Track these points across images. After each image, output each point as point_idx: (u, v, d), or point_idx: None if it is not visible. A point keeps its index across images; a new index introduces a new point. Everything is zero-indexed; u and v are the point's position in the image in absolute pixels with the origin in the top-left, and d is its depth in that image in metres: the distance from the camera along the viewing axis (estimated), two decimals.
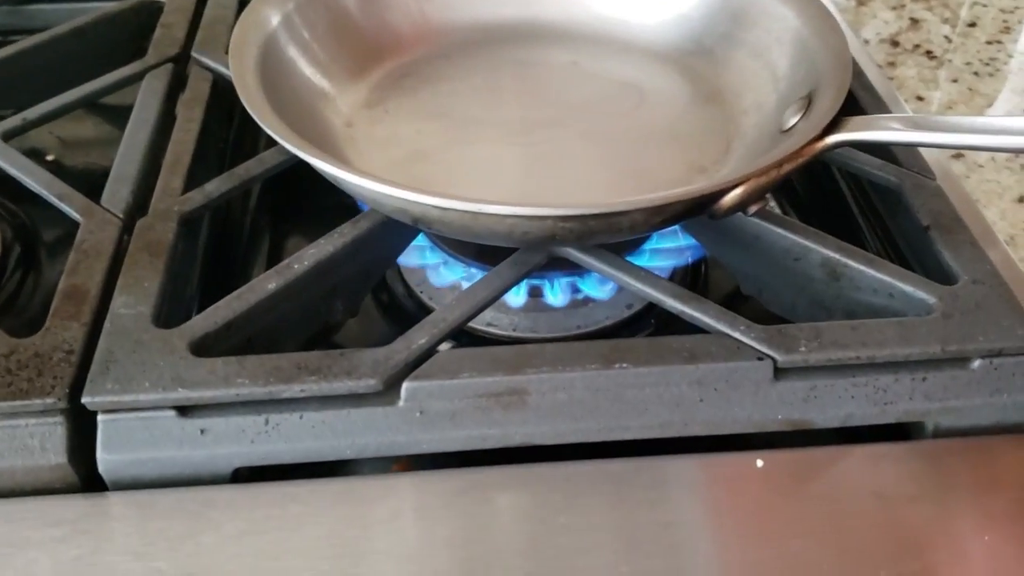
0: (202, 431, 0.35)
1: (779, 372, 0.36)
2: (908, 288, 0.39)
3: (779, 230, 0.41)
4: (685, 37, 0.52)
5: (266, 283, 0.39)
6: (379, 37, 0.50)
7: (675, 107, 0.49)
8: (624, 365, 0.36)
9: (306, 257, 0.40)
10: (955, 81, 0.61)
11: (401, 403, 0.35)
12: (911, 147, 0.43)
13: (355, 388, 0.35)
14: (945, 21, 0.67)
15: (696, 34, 0.52)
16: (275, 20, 0.45)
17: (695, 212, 0.38)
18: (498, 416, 0.36)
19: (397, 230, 0.43)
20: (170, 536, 0.33)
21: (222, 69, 0.52)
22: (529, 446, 0.36)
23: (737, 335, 0.37)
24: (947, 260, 0.41)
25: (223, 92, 0.53)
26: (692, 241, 0.47)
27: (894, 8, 0.69)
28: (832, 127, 0.39)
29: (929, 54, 0.63)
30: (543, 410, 0.36)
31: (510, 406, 0.36)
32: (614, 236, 0.38)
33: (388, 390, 0.35)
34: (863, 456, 0.36)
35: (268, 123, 0.38)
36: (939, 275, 0.41)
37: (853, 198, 0.52)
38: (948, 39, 0.65)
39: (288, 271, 0.39)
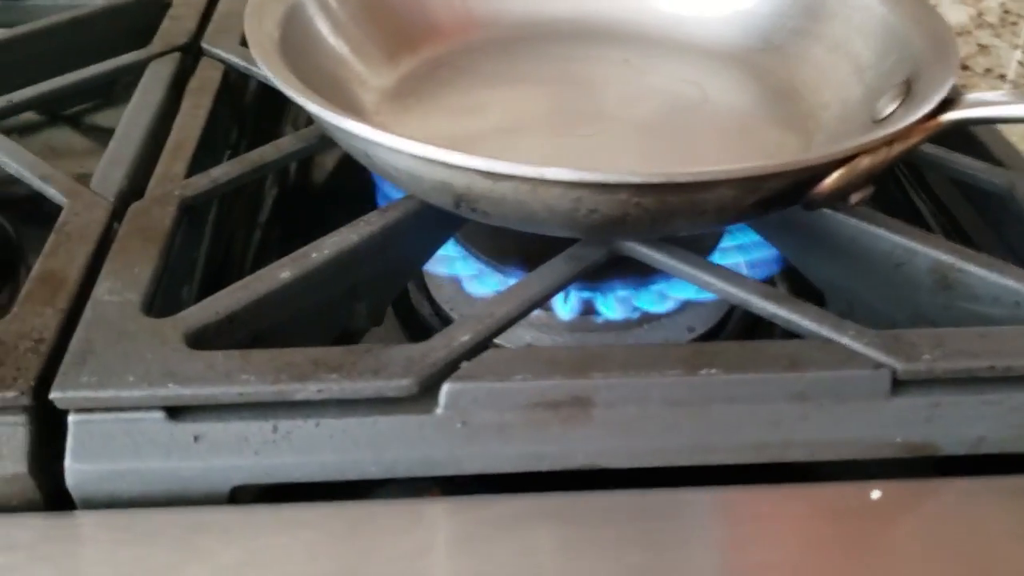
0: (196, 438, 0.28)
1: (897, 385, 0.30)
2: None
3: (879, 230, 0.36)
4: (750, 35, 0.47)
5: (278, 272, 0.33)
6: (416, 22, 0.45)
7: (743, 102, 0.44)
8: (712, 371, 0.30)
9: (326, 246, 0.34)
10: None
11: (440, 410, 0.29)
12: None
13: (384, 390, 0.29)
14: (1016, 47, 0.62)
15: (763, 31, 0.47)
16: None
17: (791, 197, 0.32)
18: (556, 431, 0.29)
19: (429, 226, 0.37)
20: (151, 567, 0.26)
21: (235, 60, 0.47)
22: (590, 469, 0.30)
23: (846, 340, 0.31)
24: None
25: (235, 86, 0.48)
26: (769, 249, 0.41)
27: (960, 35, 0.64)
28: (943, 108, 0.34)
29: (1003, 77, 0.58)
30: (611, 425, 0.29)
31: (571, 419, 0.29)
32: (694, 222, 0.32)
33: (424, 394, 0.29)
34: (1003, 490, 0.30)
35: (285, 80, 0.32)
36: None
37: (932, 214, 0.47)
38: (1022, 64, 0.60)
39: (304, 261, 0.33)
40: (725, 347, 0.31)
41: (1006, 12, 0.67)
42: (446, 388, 0.29)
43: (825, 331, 0.31)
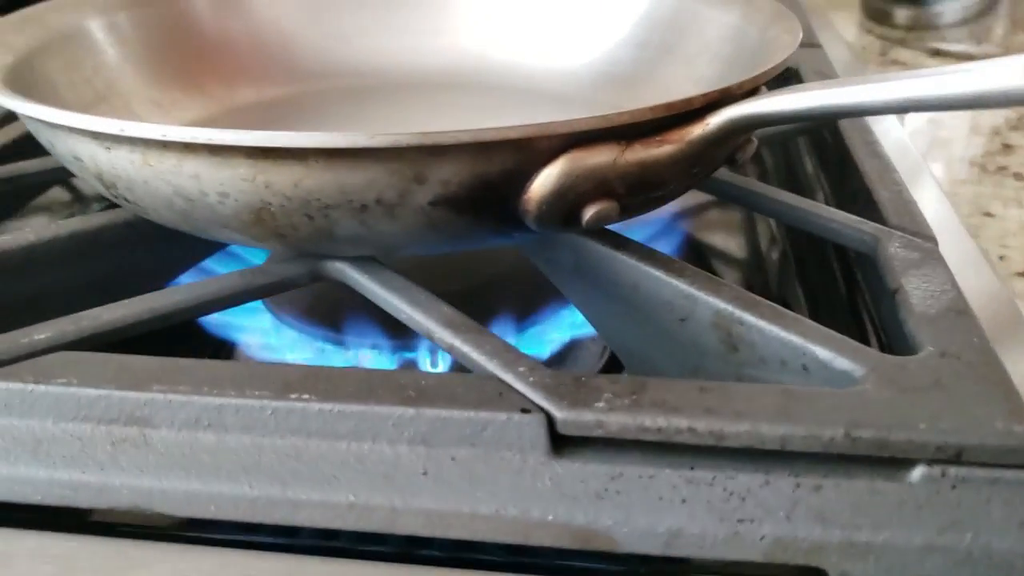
0: None
1: (561, 442, 0.22)
2: (825, 354, 0.24)
3: (658, 272, 0.27)
4: (600, 81, 0.41)
5: None
6: (233, 60, 0.41)
7: None
8: (306, 397, 0.22)
9: None
10: None
11: None
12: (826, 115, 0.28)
13: None
14: None
15: (615, 76, 0.40)
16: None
17: (501, 203, 0.25)
18: (103, 457, 0.23)
19: (149, 242, 0.32)
20: None
21: None
22: (149, 512, 0.23)
23: (508, 377, 0.23)
24: (911, 327, 0.25)
25: None
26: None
27: (987, 134, 0.55)
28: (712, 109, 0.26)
29: (1018, 176, 0.48)
30: (171, 457, 0.22)
31: (124, 442, 0.23)
32: (366, 229, 0.26)
33: None
34: None
35: None
36: (897, 347, 0.25)
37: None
38: None
39: None
40: (342, 373, 0.23)
41: None
42: None
43: (492, 365, 0.23)
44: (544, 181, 0.25)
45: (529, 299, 0.36)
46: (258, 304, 0.37)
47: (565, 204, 0.25)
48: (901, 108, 0.22)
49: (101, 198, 0.46)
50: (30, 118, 0.26)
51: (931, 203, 0.37)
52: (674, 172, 0.26)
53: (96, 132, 0.24)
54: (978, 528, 0.20)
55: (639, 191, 0.26)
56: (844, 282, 0.35)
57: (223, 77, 0.40)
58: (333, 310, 0.36)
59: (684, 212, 0.44)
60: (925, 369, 0.23)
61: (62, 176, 0.39)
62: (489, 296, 0.37)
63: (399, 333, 0.33)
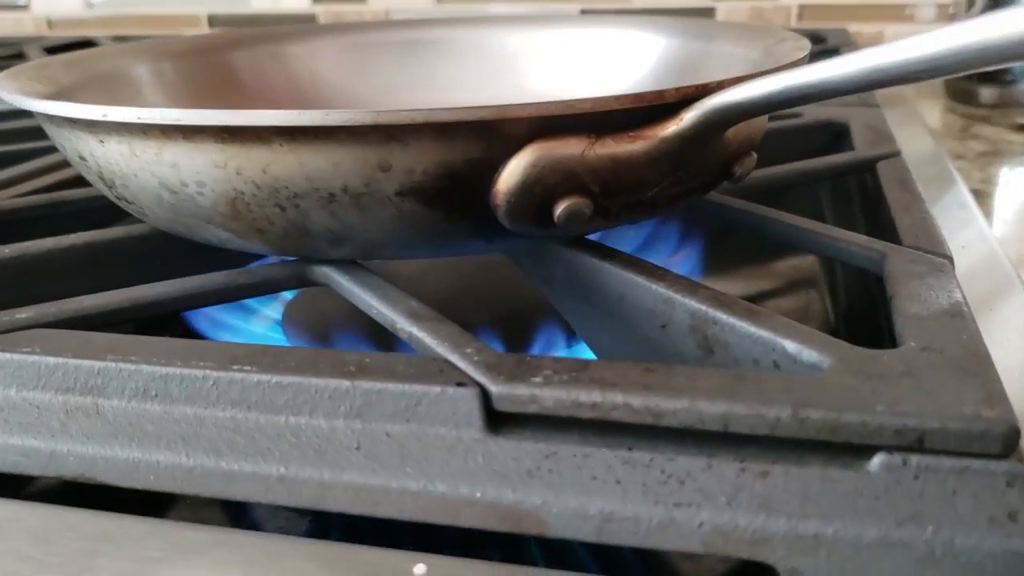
0: None
1: (497, 420, 0.21)
2: (793, 347, 0.22)
3: (639, 278, 0.26)
4: None
5: None
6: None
7: None
8: (247, 368, 0.22)
9: (9, 247, 0.31)
10: None
11: None
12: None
13: None
14: None
15: None
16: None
17: (471, 197, 0.25)
18: (55, 423, 0.23)
19: (162, 255, 0.33)
20: None
21: None
22: (92, 482, 0.23)
23: (454, 357, 0.22)
24: (898, 327, 0.23)
25: None
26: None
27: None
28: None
29: None
30: (120, 425, 0.23)
31: (77, 411, 0.23)
32: (342, 225, 0.26)
33: None
34: None
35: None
36: (882, 345, 0.23)
37: None
38: None
39: None
40: (291, 351, 0.23)
41: None
42: None
43: (443, 348, 0.23)
44: (511, 172, 0.24)
45: (553, 331, 0.35)
46: (272, 328, 0.37)
47: (535, 198, 0.25)
48: (869, 81, 0.21)
49: None
50: (41, 115, 0.28)
51: None
52: (652, 172, 0.26)
53: (86, 120, 0.26)
54: (941, 522, 0.18)
55: (616, 191, 0.26)
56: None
57: None
58: (338, 326, 0.36)
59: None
60: (898, 360, 0.21)
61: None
62: (513, 327, 0.36)
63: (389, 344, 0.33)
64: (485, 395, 0.21)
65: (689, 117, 0.25)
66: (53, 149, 0.46)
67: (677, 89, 0.25)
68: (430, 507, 0.20)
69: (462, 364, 0.22)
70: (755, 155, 0.30)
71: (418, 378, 0.21)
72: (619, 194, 0.26)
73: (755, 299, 0.45)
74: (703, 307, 0.25)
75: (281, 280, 0.28)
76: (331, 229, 0.26)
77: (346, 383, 0.21)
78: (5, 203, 0.37)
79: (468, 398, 0.21)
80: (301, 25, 0.45)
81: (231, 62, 0.42)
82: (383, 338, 0.33)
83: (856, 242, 0.29)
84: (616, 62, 0.42)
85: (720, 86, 0.25)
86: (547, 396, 0.20)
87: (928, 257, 0.28)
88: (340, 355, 0.23)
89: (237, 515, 0.25)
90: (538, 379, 0.21)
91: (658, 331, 0.26)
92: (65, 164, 0.43)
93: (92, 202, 0.38)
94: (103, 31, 1.04)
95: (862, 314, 0.35)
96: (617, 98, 0.24)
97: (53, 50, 0.87)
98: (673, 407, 0.20)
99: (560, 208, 0.25)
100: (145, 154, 0.26)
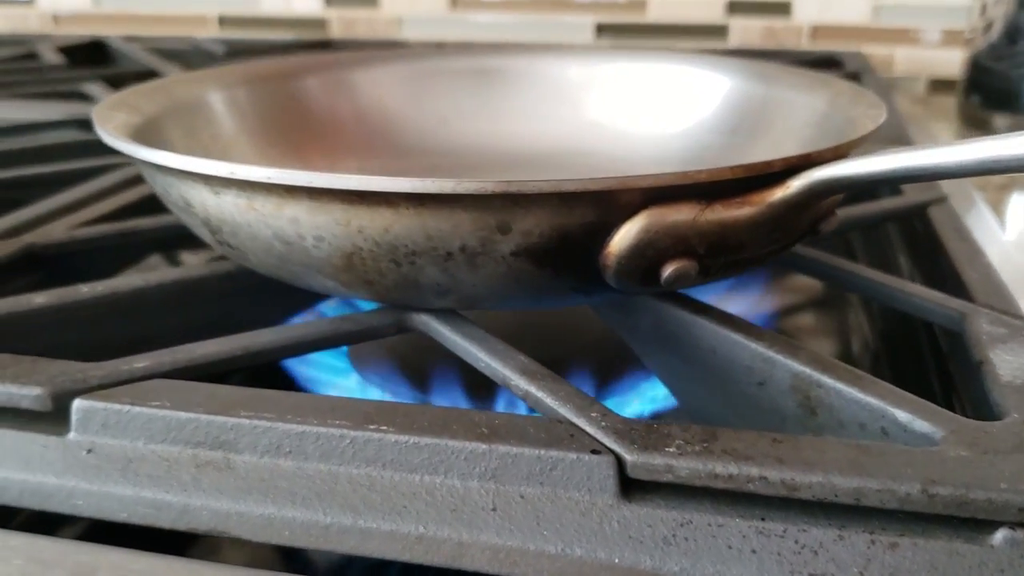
0: None
1: (631, 486, 0.22)
2: (904, 416, 0.23)
3: (737, 336, 0.28)
4: (690, 149, 0.42)
5: (34, 297, 0.31)
6: (338, 139, 0.43)
7: None
8: (384, 428, 0.23)
9: (102, 284, 0.32)
10: None
11: (72, 434, 0.24)
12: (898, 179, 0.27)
13: (15, 398, 0.25)
14: None
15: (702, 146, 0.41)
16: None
17: (580, 257, 0.26)
18: (186, 477, 0.24)
19: (246, 291, 0.34)
20: None
21: None
22: (226, 536, 0.23)
23: (580, 421, 0.23)
24: (996, 396, 0.25)
25: None
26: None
27: None
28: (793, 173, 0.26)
29: None
30: (252, 481, 0.23)
31: (208, 465, 0.24)
32: (451, 281, 0.26)
33: (61, 412, 0.25)
34: None
35: (104, 125, 0.31)
36: (980, 416, 0.24)
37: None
38: None
39: (69, 291, 0.31)
40: (421, 409, 0.24)
41: None
42: (76, 404, 0.24)
43: (565, 410, 0.23)
44: (624, 236, 0.25)
45: (611, 372, 0.36)
46: (344, 364, 0.38)
47: (644, 261, 0.26)
48: (977, 169, 0.22)
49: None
50: (148, 164, 0.28)
51: None
52: (755, 235, 0.27)
53: (207, 175, 0.26)
54: None
55: (719, 252, 0.27)
56: (933, 362, 0.35)
57: (327, 150, 0.42)
58: (416, 369, 0.36)
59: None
60: (1008, 433, 0.22)
61: (163, 240, 0.41)
62: (572, 367, 0.37)
63: (480, 393, 0.34)
64: (619, 463, 0.22)
65: (796, 185, 0.26)
66: (105, 168, 0.47)
67: (784, 159, 0.26)
68: (568, 570, 0.21)
69: (590, 429, 0.23)
70: (838, 213, 0.31)
71: (550, 443, 0.22)
72: (723, 255, 0.27)
73: (782, 314, 0.47)
74: (806, 369, 0.26)
75: (382, 328, 0.29)
76: (439, 283, 0.27)
77: (483, 446, 0.22)
78: (79, 233, 0.37)
79: (603, 465, 0.22)
80: (368, 52, 0.46)
81: (301, 89, 0.43)
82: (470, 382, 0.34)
83: (933, 299, 0.31)
84: (677, 100, 0.43)
85: (821, 156, 0.26)
86: (682, 467, 0.21)
87: (1006, 319, 0.29)
88: (470, 415, 0.23)
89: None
90: (671, 449, 0.22)
91: (755, 387, 0.27)
92: (124, 186, 0.44)
93: (162, 232, 0.39)
94: (110, 28, 1.03)
95: (901, 341, 0.36)
96: (731, 168, 0.25)
97: (66, 51, 0.87)
98: (808, 481, 0.21)
99: (668, 270, 0.26)
100: (264, 208, 0.26)
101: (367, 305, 0.31)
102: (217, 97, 0.40)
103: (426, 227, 0.25)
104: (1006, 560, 0.20)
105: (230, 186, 0.26)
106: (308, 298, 0.36)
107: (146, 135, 0.34)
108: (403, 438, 0.23)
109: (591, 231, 0.25)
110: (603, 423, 0.23)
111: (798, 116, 0.39)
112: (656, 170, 0.42)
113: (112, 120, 0.32)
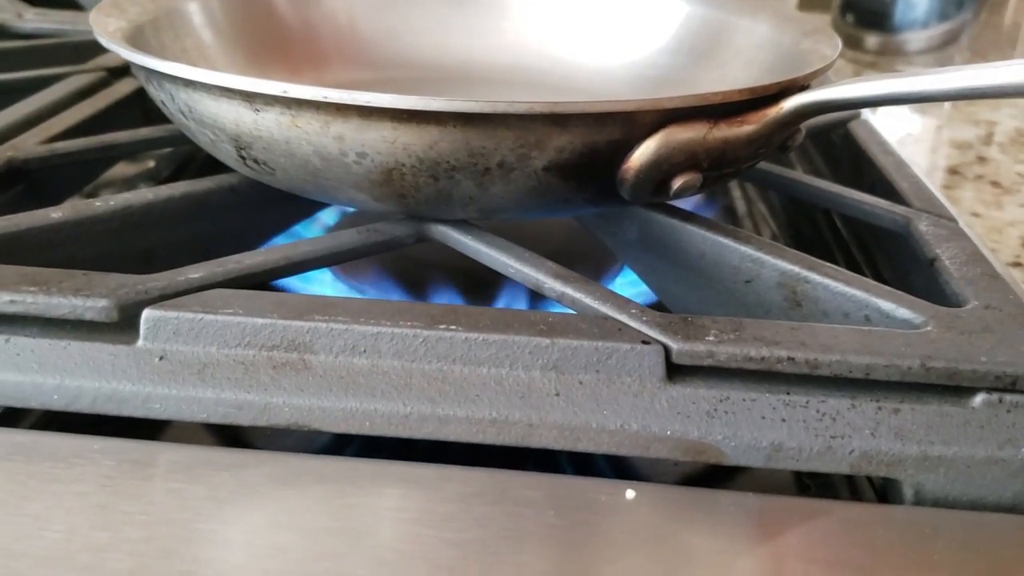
0: None
1: (675, 370, 0.25)
2: (887, 305, 0.28)
3: (726, 240, 0.31)
4: (645, 80, 0.45)
5: (51, 212, 0.31)
6: (301, 44, 0.44)
7: None
8: (453, 328, 0.25)
9: (114, 199, 0.32)
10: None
11: (140, 342, 0.26)
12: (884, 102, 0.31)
13: (80, 310, 0.26)
14: (1019, 162, 0.57)
15: (656, 78, 0.44)
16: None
17: (600, 168, 0.29)
18: (264, 378, 0.25)
19: (250, 204, 0.35)
20: None
21: None
22: (306, 429, 0.25)
23: (623, 317, 0.26)
24: (955, 287, 0.29)
25: (153, 112, 0.48)
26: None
27: (959, 147, 0.60)
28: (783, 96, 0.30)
29: (995, 184, 0.53)
30: (331, 378, 0.25)
31: (285, 366, 0.25)
32: (482, 191, 0.29)
33: (127, 322, 0.26)
34: (791, 510, 0.24)
35: (103, 32, 0.31)
36: (942, 301, 0.29)
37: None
38: (1020, 175, 0.55)
39: (82, 206, 0.32)
40: (479, 310, 0.26)
41: (1020, 135, 0.63)
42: (146, 314, 0.26)
43: (605, 308, 0.27)
44: (643, 152, 0.28)
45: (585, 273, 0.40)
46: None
47: (659, 173, 0.29)
48: (957, 94, 0.26)
49: (150, 176, 0.48)
50: (176, 79, 0.29)
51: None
52: (748, 150, 0.30)
53: (253, 93, 0.27)
54: None
55: (718, 166, 0.30)
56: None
57: (310, 60, 0.43)
58: (402, 279, 0.39)
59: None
60: (974, 317, 0.27)
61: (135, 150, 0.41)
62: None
63: (475, 298, 0.36)
64: (666, 351, 0.25)
65: (788, 106, 0.29)
66: (51, 79, 0.46)
67: (778, 83, 0.29)
68: (624, 442, 0.25)
69: (634, 324, 0.26)
70: (803, 130, 0.34)
71: (604, 336, 0.25)
72: (721, 167, 0.30)
73: None
74: (794, 267, 0.30)
75: (404, 238, 0.31)
76: (471, 196, 0.29)
77: (545, 340, 0.25)
78: (59, 147, 0.37)
79: (653, 354, 0.25)
80: None
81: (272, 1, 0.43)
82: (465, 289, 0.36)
83: (880, 206, 0.35)
84: (639, 25, 0.46)
85: (807, 80, 0.30)
86: (721, 352, 0.25)
87: (943, 221, 0.34)
88: (526, 315, 0.26)
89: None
90: (710, 337, 0.25)
91: (742, 285, 0.31)
92: (79, 97, 0.43)
93: (137, 146, 0.39)
94: None
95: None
96: (739, 91, 0.28)
97: None
98: (828, 359, 0.24)
99: (678, 182, 0.29)
100: (310, 125, 0.27)
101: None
102: (193, 7, 0.40)
103: (470, 144, 0.27)
104: (984, 418, 0.25)
105: (274, 104, 0.28)
106: (308, 208, 0.37)
107: (138, 42, 0.34)
108: (472, 335, 0.25)
109: (615, 148, 0.28)
110: (644, 318, 0.26)
111: (741, 39, 0.42)
112: (605, 89, 0.45)
113: (106, 26, 0.33)
